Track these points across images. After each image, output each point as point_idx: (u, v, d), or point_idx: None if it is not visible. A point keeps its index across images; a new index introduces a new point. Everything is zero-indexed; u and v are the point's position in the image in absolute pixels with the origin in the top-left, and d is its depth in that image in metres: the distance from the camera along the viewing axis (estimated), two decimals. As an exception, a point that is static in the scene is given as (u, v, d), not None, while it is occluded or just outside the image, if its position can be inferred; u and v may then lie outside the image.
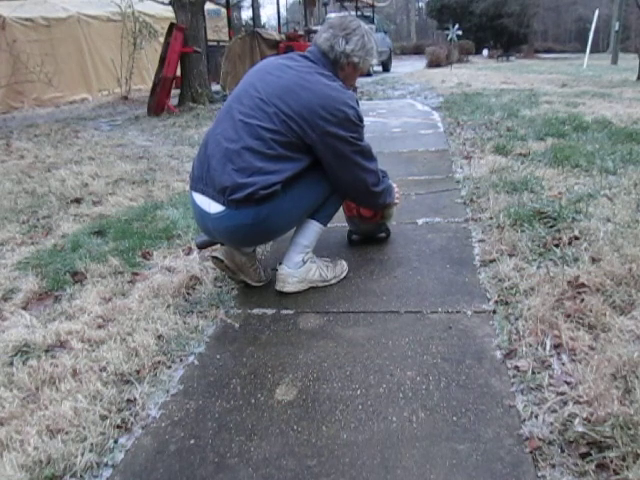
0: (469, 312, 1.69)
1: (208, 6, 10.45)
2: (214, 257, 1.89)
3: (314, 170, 1.78)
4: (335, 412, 1.29)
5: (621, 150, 3.39)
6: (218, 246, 1.98)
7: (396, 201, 2.13)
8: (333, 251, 2.22)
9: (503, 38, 28.31)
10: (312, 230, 1.91)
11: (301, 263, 1.89)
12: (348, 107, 1.74)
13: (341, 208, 2.12)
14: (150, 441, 1.24)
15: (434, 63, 17.34)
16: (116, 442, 1.24)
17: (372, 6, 17.94)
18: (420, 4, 47.99)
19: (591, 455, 1.08)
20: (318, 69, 1.79)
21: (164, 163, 4.16)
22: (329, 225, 2.13)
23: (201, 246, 2.15)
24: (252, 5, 17.67)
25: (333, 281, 1.96)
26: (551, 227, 2.21)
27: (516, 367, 1.39)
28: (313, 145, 1.72)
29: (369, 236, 2.30)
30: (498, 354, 1.46)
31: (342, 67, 1.86)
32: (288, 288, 1.89)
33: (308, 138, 1.70)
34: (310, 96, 1.71)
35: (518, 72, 12.78)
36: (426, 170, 3.46)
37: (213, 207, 1.73)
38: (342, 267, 2.02)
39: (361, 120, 1.80)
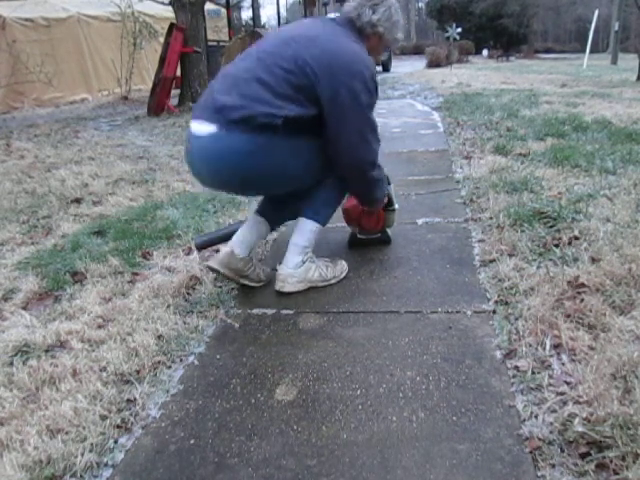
0: (469, 312, 1.69)
1: (208, 6, 10.44)
2: (210, 267, 1.89)
3: (319, 138, 1.75)
4: (335, 412, 1.29)
5: (621, 150, 3.39)
6: (215, 254, 1.97)
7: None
8: (333, 251, 2.22)
9: (503, 38, 28.33)
10: (310, 231, 1.91)
11: (300, 263, 1.89)
12: (367, 69, 1.72)
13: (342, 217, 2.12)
14: (150, 441, 1.24)
15: (434, 63, 17.35)
16: (116, 442, 1.24)
17: (372, 6, 17.91)
18: (420, 4, 48.00)
19: (591, 455, 1.08)
20: (345, 32, 1.79)
21: (164, 163, 4.16)
22: (329, 225, 2.13)
23: (200, 246, 2.15)
24: (252, 5, 17.68)
25: (333, 281, 1.96)
26: (551, 227, 2.21)
27: (516, 367, 1.39)
28: (322, 96, 1.67)
29: (370, 241, 2.28)
30: (498, 354, 1.46)
31: (368, 37, 1.85)
32: (288, 288, 1.89)
33: (320, 87, 1.66)
34: (333, 48, 1.70)
35: (518, 72, 12.78)
36: (426, 170, 3.46)
37: (205, 128, 1.68)
38: (342, 267, 2.01)
39: (376, 88, 1.77)
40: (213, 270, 1.88)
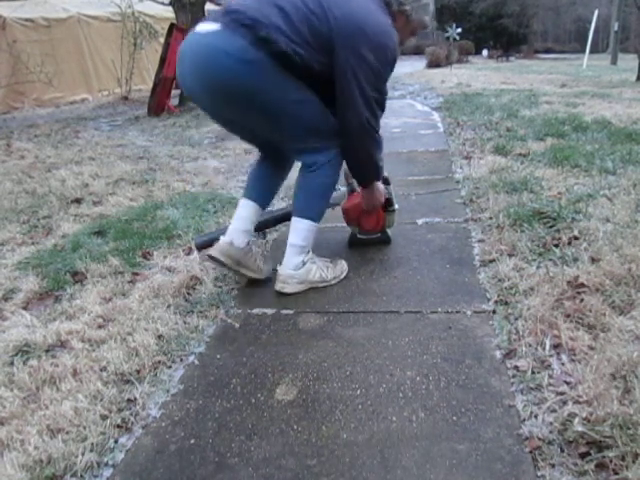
0: (469, 312, 1.69)
1: (208, 7, 10.44)
2: (210, 256, 1.89)
3: (316, 93, 1.74)
4: (335, 412, 1.29)
5: (620, 150, 3.39)
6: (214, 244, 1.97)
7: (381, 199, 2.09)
8: (333, 251, 2.22)
9: (503, 38, 28.31)
10: (305, 229, 1.89)
11: (301, 264, 1.89)
12: (391, 41, 1.71)
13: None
14: (150, 441, 1.24)
15: (434, 63, 17.33)
16: (116, 442, 1.24)
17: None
18: (420, 4, 47.90)
19: (590, 455, 1.08)
20: (375, 1, 1.77)
21: (164, 163, 4.17)
22: (329, 225, 2.13)
23: (200, 246, 2.15)
24: (252, 5, 17.65)
25: (333, 282, 1.96)
26: (551, 227, 2.21)
27: (516, 367, 1.39)
28: (337, 53, 1.65)
29: (370, 241, 2.27)
30: (498, 354, 1.47)
31: (394, 15, 1.83)
32: (288, 289, 1.89)
33: (336, 41, 1.64)
34: (361, 11, 1.68)
35: (518, 72, 12.77)
36: (426, 170, 3.46)
37: (209, 26, 1.65)
38: (342, 267, 2.01)
39: (394, 62, 1.76)
40: (213, 259, 1.89)
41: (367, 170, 1.97)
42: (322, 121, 1.79)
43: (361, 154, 1.88)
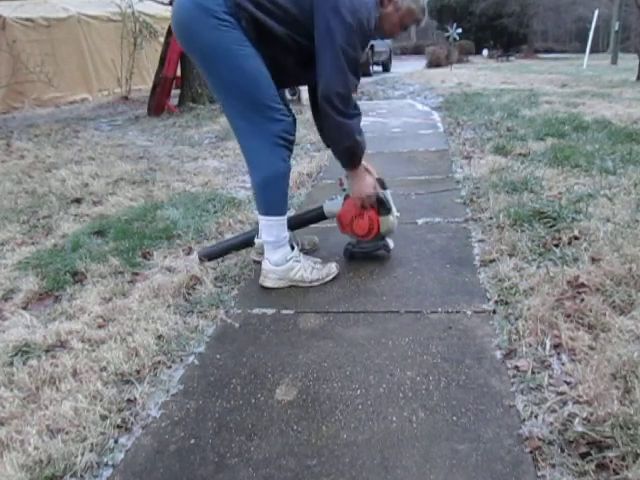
0: (469, 312, 1.69)
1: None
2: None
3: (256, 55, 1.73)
4: (335, 412, 1.29)
5: (621, 150, 3.39)
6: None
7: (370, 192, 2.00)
8: (332, 251, 2.22)
9: (503, 38, 28.31)
10: (264, 225, 1.91)
11: (283, 261, 1.91)
12: (366, 10, 1.71)
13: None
14: (150, 441, 1.24)
15: (434, 63, 17.34)
16: (116, 442, 1.24)
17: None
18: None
19: (591, 455, 1.08)
20: None
21: (164, 163, 4.17)
22: (329, 225, 2.13)
23: (201, 259, 2.12)
24: (252, 5, 17.63)
25: (315, 284, 1.94)
26: (551, 227, 2.21)
27: (516, 367, 1.39)
28: (315, 13, 1.68)
29: (367, 255, 2.14)
30: (498, 354, 1.46)
31: (382, 1, 1.82)
32: (267, 283, 1.94)
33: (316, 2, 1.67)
34: None
35: (518, 72, 12.77)
36: (426, 170, 3.46)
37: None
38: (329, 270, 1.97)
39: (369, 32, 1.74)
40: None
41: (341, 149, 1.90)
42: (245, 92, 1.74)
43: (332, 130, 1.84)
